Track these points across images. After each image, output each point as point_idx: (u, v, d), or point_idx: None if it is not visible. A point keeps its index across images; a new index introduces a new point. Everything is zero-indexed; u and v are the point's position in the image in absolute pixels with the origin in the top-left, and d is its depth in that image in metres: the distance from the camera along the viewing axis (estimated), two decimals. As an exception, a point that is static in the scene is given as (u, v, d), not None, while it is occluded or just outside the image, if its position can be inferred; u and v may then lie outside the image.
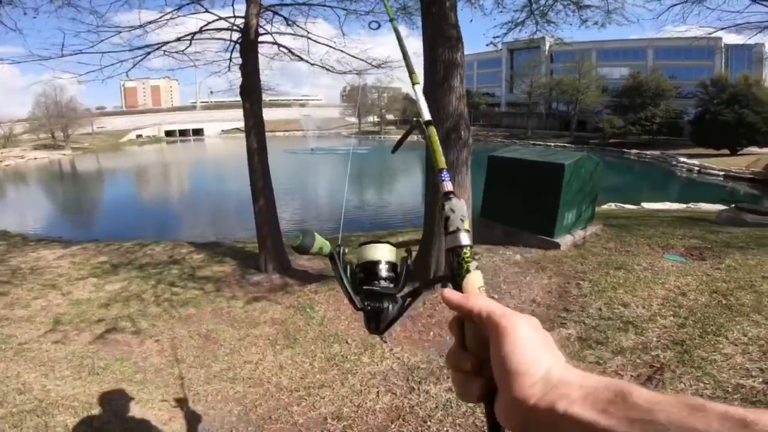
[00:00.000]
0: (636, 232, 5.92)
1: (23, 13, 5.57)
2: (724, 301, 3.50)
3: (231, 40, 6.33)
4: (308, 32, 6.90)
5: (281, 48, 6.79)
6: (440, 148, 0.56)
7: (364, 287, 0.58)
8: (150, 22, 6.02)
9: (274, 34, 6.66)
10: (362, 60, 7.13)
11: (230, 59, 6.66)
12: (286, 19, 6.79)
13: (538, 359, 0.35)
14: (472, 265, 0.47)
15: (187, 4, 6.04)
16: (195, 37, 6.20)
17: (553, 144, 34.97)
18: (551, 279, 4.45)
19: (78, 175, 32.20)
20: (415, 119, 0.62)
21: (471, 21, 10.58)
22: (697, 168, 26.27)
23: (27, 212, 16.98)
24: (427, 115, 0.59)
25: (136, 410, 2.64)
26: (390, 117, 61.43)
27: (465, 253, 0.47)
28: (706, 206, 11.90)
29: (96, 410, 2.56)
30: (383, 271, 0.59)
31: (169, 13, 6.09)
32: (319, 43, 6.97)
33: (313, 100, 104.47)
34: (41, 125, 46.65)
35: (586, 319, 3.48)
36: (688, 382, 2.48)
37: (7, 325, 4.20)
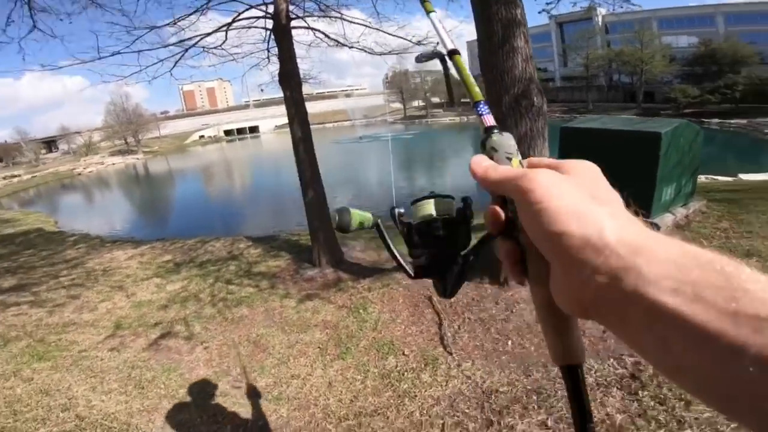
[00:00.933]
0: (752, 209, 4.86)
1: (59, 19, 5.66)
2: None
3: (266, 28, 6.08)
4: (341, 14, 6.46)
5: (316, 33, 6.44)
6: (471, 77, 0.43)
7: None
8: (181, 18, 5.88)
9: (307, 19, 6.32)
10: (401, 38, 6.58)
11: (267, 49, 6.44)
12: (317, 3, 6.43)
13: (578, 215, 0.25)
14: None
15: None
16: (230, 29, 6.01)
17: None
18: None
19: (150, 177, 34.87)
20: (435, 51, 0.52)
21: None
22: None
23: (106, 214, 18.46)
24: (450, 44, 0.47)
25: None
26: (436, 100, 59.67)
27: None
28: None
29: (129, 435, 2.35)
30: (437, 230, 0.50)
31: (201, 8, 5.90)
32: (354, 23, 6.54)
33: (357, 89, 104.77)
34: (114, 132, 51.08)
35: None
36: None
37: (72, 331, 4.28)
